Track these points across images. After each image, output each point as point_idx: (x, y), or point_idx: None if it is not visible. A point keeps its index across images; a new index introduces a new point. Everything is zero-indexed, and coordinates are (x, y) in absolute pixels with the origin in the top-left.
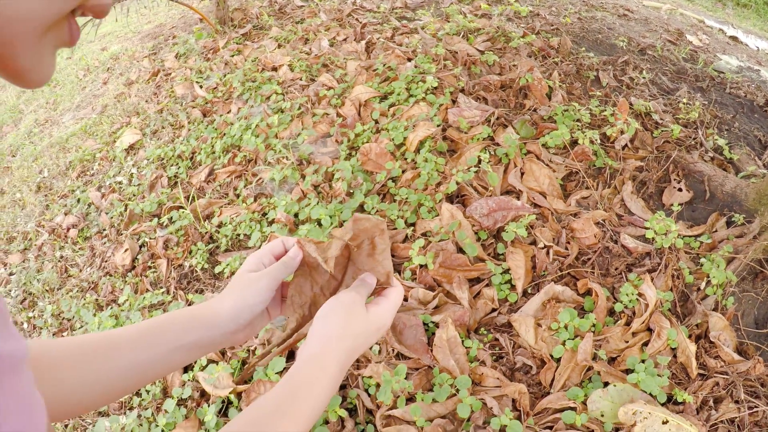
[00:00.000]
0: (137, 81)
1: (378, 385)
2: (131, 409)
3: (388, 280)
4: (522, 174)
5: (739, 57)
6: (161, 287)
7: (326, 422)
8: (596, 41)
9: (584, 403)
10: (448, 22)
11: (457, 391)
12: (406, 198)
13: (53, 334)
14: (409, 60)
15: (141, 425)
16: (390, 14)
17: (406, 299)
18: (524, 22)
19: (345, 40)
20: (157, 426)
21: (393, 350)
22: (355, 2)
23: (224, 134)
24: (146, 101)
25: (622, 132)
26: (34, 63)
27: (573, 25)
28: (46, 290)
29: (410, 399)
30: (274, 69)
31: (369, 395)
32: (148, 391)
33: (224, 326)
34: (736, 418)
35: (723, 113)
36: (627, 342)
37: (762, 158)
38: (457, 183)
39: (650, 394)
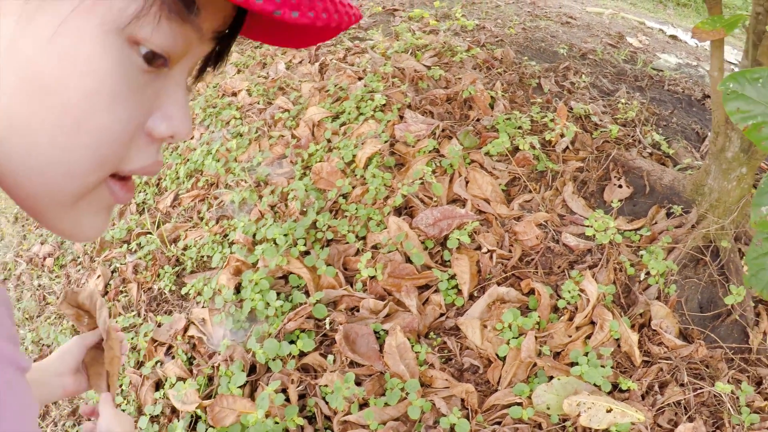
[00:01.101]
0: None
1: (332, 392)
2: None
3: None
4: (467, 182)
5: (678, 55)
6: (133, 310)
7: (286, 430)
8: (539, 49)
9: (530, 397)
10: (398, 40)
11: (408, 394)
12: (356, 213)
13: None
14: (360, 79)
15: None
16: (344, 35)
17: (358, 309)
18: (470, 35)
19: (300, 62)
20: None
21: (347, 359)
22: None
23: (188, 160)
24: None
25: (562, 135)
26: (73, 226)
27: (517, 36)
28: (26, 318)
29: (365, 404)
30: (234, 94)
31: (326, 403)
32: (123, 410)
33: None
34: (682, 400)
35: (661, 110)
36: (570, 336)
37: (699, 150)
38: (404, 196)
39: (594, 385)
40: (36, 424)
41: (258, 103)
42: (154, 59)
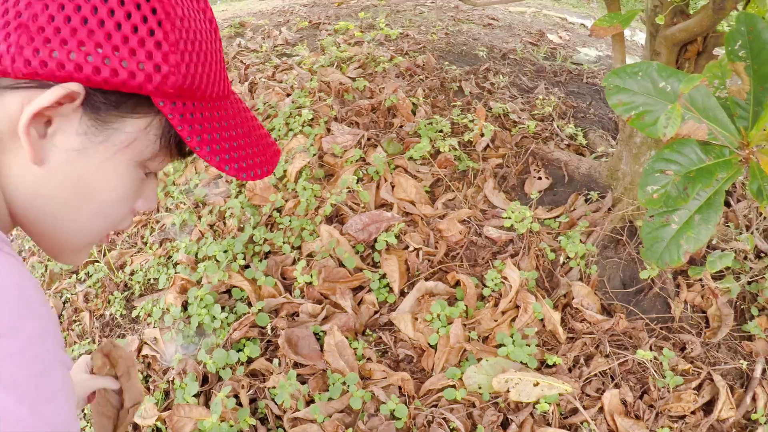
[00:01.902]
0: None
1: (276, 392)
2: None
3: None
4: (392, 187)
5: (598, 48)
6: (87, 338)
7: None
8: (461, 53)
9: (462, 379)
10: (323, 54)
11: (349, 387)
12: (290, 225)
13: None
14: (288, 96)
15: None
16: (272, 52)
17: (297, 314)
18: (394, 44)
19: (231, 82)
20: None
21: (291, 361)
22: (240, 44)
23: None
24: None
25: (482, 135)
26: (74, 260)
27: (440, 41)
28: None
29: (311, 401)
30: None
31: (276, 404)
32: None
33: None
34: (608, 370)
35: (579, 102)
36: (496, 321)
37: (616, 138)
38: (333, 205)
39: (521, 363)
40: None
41: None
42: (148, 173)
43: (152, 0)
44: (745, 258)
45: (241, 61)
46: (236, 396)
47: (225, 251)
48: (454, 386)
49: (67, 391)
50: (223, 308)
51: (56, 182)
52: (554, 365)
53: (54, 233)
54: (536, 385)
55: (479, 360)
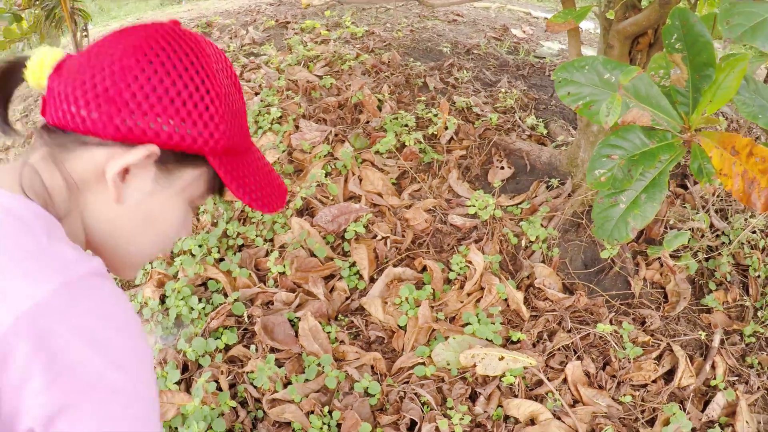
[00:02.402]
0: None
1: (254, 376)
2: None
3: None
4: (360, 180)
5: (561, 41)
6: None
7: (222, 414)
8: (426, 49)
9: (431, 357)
10: (290, 53)
11: (323, 368)
12: (262, 219)
13: None
14: (256, 94)
15: None
16: (239, 52)
17: (272, 303)
18: (360, 42)
19: None
20: None
21: (267, 347)
22: None
23: None
24: None
25: (446, 128)
26: (131, 275)
27: (405, 38)
28: None
29: (288, 383)
30: None
31: (255, 387)
32: None
33: None
34: (570, 344)
35: (541, 94)
36: (462, 302)
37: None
38: (303, 198)
39: (487, 340)
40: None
41: None
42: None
43: (206, 82)
44: (702, 236)
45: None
46: (216, 381)
47: (200, 245)
48: (423, 363)
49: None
50: (200, 299)
51: (130, 216)
52: (519, 341)
53: (121, 254)
54: (501, 359)
55: (447, 338)
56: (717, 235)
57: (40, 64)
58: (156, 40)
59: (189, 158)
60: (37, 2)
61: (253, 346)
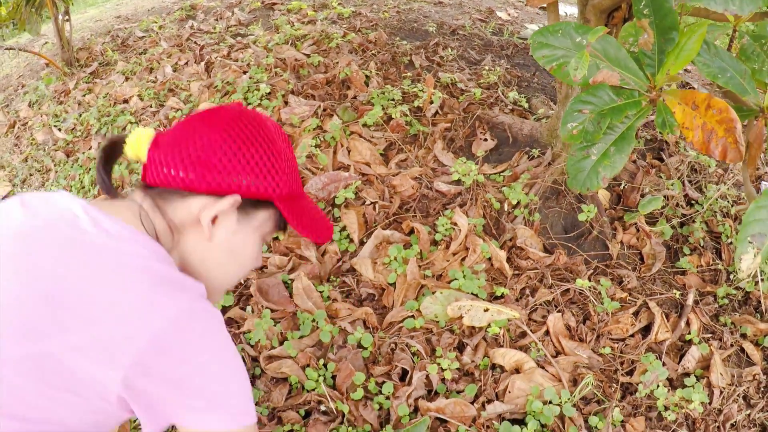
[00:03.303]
0: None
1: (251, 333)
2: None
3: None
4: (349, 151)
5: (545, 23)
6: None
7: None
8: (412, 30)
9: (419, 310)
10: (278, 32)
11: (317, 323)
12: None
13: None
14: (245, 73)
15: None
16: (225, 33)
17: (266, 267)
18: (347, 22)
19: (186, 63)
20: None
21: (263, 307)
22: (192, 26)
23: (90, 168)
24: (9, 153)
25: (431, 102)
26: (217, 299)
27: (391, 19)
28: None
29: (284, 340)
30: (126, 101)
31: (251, 346)
32: None
33: None
34: (552, 299)
35: (524, 72)
36: (448, 261)
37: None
38: None
39: (473, 294)
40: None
41: (150, 107)
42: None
43: (270, 147)
44: (677, 205)
45: (195, 43)
46: None
47: None
48: (413, 317)
49: None
50: None
51: (218, 251)
52: (502, 296)
53: (212, 282)
54: (487, 311)
55: (434, 293)
56: (691, 205)
57: (138, 141)
58: (231, 118)
59: (261, 204)
60: None
61: (249, 308)
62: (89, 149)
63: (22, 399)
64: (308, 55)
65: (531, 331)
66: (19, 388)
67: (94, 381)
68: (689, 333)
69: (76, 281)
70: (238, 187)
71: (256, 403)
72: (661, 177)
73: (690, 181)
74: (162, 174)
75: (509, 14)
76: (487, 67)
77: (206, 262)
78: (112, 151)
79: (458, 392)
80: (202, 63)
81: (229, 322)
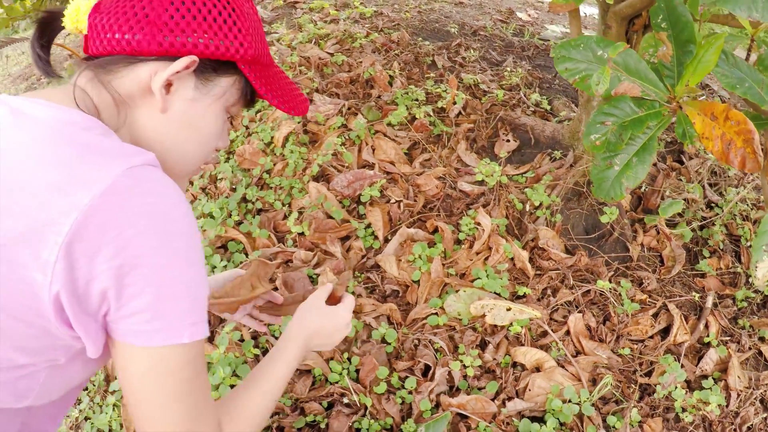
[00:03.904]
0: None
1: (279, 327)
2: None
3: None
4: (373, 150)
5: (565, 25)
6: None
7: (245, 362)
8: (434, 30)
9: (443, 308)
10: (301, 31)
11: None
12: (280, 184)
13: None
14: None
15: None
16: None
17: (291, 261)
18: (369, 21)
19: None
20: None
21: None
22: None
23: None
24: None
25: (454, 103)
26: (183, 186)
27: (413, 19)
28: None
29: None
30: None
31: (275, 337)
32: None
33: None
34: (572, 300)
35: (545, 74)
36: (471, 260)
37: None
38: (319, 165)
39: (495, 293)
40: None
41: None
42: (228, 117)
43: (232, 3)
44: (698, 208)
45: None
46: (239, 332)
47: (221, 208)
48: (436, 314)
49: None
50: (221, 259)
51: (175, 124)
52: (524, 296)
53: (170, 163)
54: (509, 310)
55: (458, 291)
56: (711, 207)
57: (77, 10)
58: None
59: (223, 67)
60: None
61: None
62: None
63: None
64: (332, 54)
65: (552, 330)
66: None
67: (23, 287)
68: (708, 335)
69: None
70: (194, 46)
71: None
72: (681, 180)
73: (710, 184)
74: (105, 41)
75: (529, 15)
76: (509, 69)
77: (162, 139)
78: (50, 24)
79: (479, 389)
80: None
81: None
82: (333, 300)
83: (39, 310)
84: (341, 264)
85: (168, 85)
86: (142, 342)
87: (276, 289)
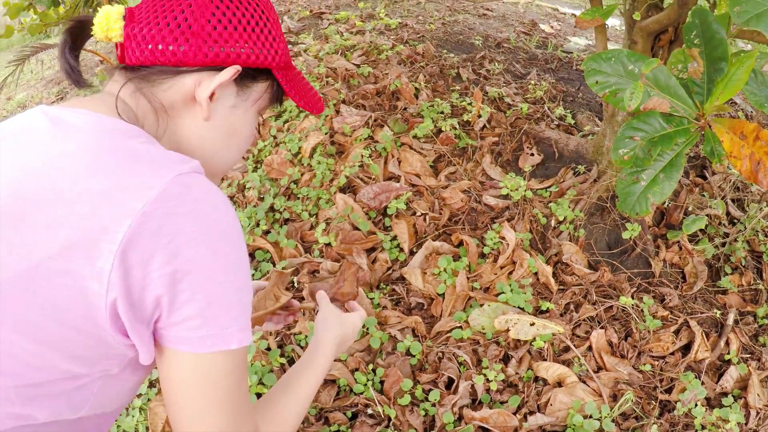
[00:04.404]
0: None
1: (306, 337)
2: None
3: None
4: (399, 162)
5: (588, 37)
6: None
7: (271, 371)
8: (458, 42)
9: (467, 321)
10: (328, 42)
11: (368, 330)
12: (307, 195)
13: None
14: None
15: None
16: None
17: (318, 272)
18: (394, 33)
19: None
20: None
21: (314, 310)
22: None
23: None
24: None
25: (479, 116)
26: (216, 183)
27: (437, 31)
28: None
29: None
30: None
31: (301, 347)
32: None
33: None
34: (595, 315)
35: (569, 87)
36: (496, 274)
37: (601, 118)
38: (346, 177)
39: (519, 308)
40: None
41: None
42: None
43: (265, 12)
44: (720, 224)
45: None
46: (266, 341)
47: (249, 217)
48: (460, 327)
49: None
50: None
51: (217, 130)
52: (548, 310)
53: (209, 167)
54: (532, 325)
55: (482, 305)
56: (733, 223)
57: (107, 18)
58: None
59: (259, 74)
60: None
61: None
62: None
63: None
64: (358, 66)
65: (574, 345)
66: None
67: (78, 297)
68: (728, 353)
69: (34, 187)
70: (237, 56)
71: None
72: (704, 195)
73: (733, 200)
74: (147, 51)
75: (552, 27)
76: (533, 82)
77: (205, 146)
78: (79, 33)
79: (502, 403)
80: None
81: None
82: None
83: (95, 319)
84: (366, 275)
85: (211, 94)
86: (192, 348)
87: (302, 298)
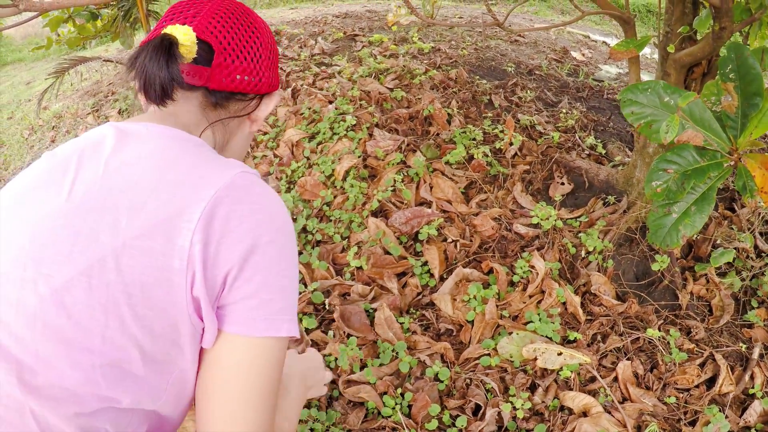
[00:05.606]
0: None
1: (336, 359)
2: None
3: None
4: (431, 188)
5: (619, 65)
6: None
7: None
8: (490, 68)
9: (496, 349)
10: (361, 65)
11: (397, 354)
12: (340, 217)
13: None
14: (330, 102)
15: None
16: (310, 61)
17: (349, 294)
18: (427, 57)
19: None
20: None
21: (344, 333)
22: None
23: None
24: None
25: (511, 144)
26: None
27: (470, 56)
28: None
29: (363, 366)
30: None
31: (331, 369)
32: None
33: None
34: (622, 346)
35: (600, 116)
36: (525, 303)
37: (632, 148)
38: (379, 201)
39: (547, 337)
40: None
41: None
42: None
43: (273, 47)
44: (747, 257)
45: (282, 69)
46: None
47: None
48: (489, 355)
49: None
50: None
51: (247, 141)
52: (575, 340)
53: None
54: (560, 354)
55: (510, 333)
56: (761, 257)
57: (191, 40)
58: (254, 14)
59: (272, 94)
60: (114, 2)
61: (330, 332)
62: None
63: (87, 327)
64: (391, 89)
65: (600, 376)
66: (82, 313)
67: (161, 276)
68: (753, 386)
69: (116, 181)
70: (270, 86)
71: (333, 424)
72: (732, 228)
73: (761, 233)
74: (234, 80)
75: (583, 54)
76: (564, 110)
77: (239, 155)
78: (173, 51)
79: (528, 431)
80: (289, 89)
81: (311, 345)
82: None
83: (175, 298)
84: (397, 299)
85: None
86: (245, 331)
87: (333, 320)
